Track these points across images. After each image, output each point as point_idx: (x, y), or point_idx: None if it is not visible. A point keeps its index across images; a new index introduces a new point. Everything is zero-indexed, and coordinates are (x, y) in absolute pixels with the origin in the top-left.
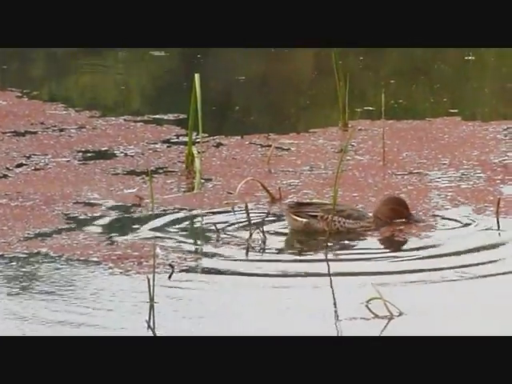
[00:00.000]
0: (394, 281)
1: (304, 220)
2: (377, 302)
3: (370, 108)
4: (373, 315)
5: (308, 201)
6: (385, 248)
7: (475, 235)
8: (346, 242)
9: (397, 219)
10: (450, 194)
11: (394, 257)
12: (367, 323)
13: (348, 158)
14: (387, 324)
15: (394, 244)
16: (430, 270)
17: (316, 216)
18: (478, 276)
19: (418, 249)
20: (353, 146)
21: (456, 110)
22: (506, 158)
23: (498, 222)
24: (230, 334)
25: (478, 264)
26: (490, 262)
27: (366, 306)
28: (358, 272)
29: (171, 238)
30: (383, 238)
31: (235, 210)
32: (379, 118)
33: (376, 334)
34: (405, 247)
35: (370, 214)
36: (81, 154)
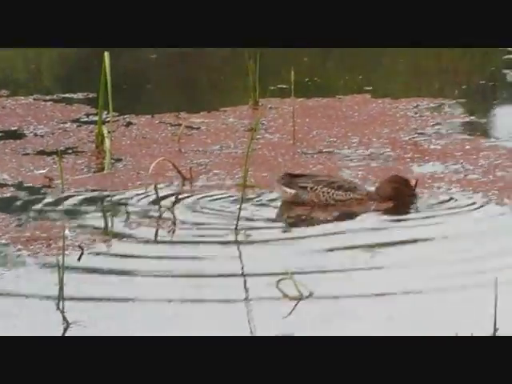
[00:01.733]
0: (307, 261)
1: (293, 191)
2: (287, 282)
3: (284, 86)
4: (282, 295)
5: (300, 172)
6: (310, 226)
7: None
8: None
9: (398, 198)
10: (360, 172)
11: (308, 236)
12: (277, 303)
13: (258, 136)
14: (296, 304)
15: (328, 223)
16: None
17: (306, 187)
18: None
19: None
20: (263, 124)
21: (369, 88)
22: (416, 135)
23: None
24: (138, 318)
25: (390, 244)
26: (401, 243)
27: (277, 286)
28: (270, 252)
29: (81, 220)
30: (333, 216)
31: (147, 190)
32: (290, 96)
33: (285, 313)
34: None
35: (367, 188)
36: None
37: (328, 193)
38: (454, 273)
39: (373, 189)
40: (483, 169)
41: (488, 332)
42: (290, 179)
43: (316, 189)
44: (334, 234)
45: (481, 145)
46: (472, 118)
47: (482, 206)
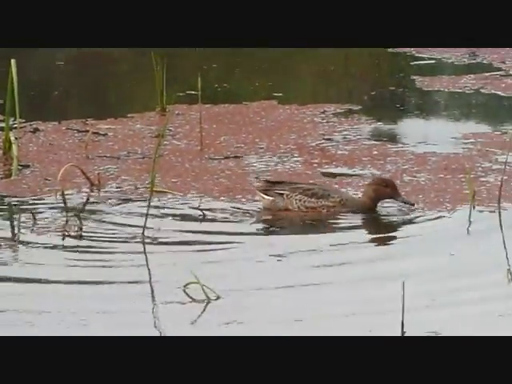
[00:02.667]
0: (213, 265)
1: (270, 198)
2: (195, 287)
3: (192, 92)
4: (190, 299)
5: (281, 179)
6: (203, 233)
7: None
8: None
9: (381, 199)
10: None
11: (215, 242)
12: (184, 307)
13: (165, 142)
14: (205, 307)
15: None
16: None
17: (282, 194)
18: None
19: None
20: (170, 130)
21: (279, 94)
22: (324, 141)
23: None
24: (43, 327)
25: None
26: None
27: (184, 291)
28: (176, 255)
29: None
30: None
31: (55, 196)
32: (197, 103)
33: (193, 318)
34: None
35: (344, 196)
36: None
37: (300, 200)
38: (362, 275)
39: (353, 196)
40: (390, 174)
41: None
42: (269, 186)
43: (291, 196)
44: (238, 242)
45: (388, 150)
46: (379, 123)
47: (389, 213)
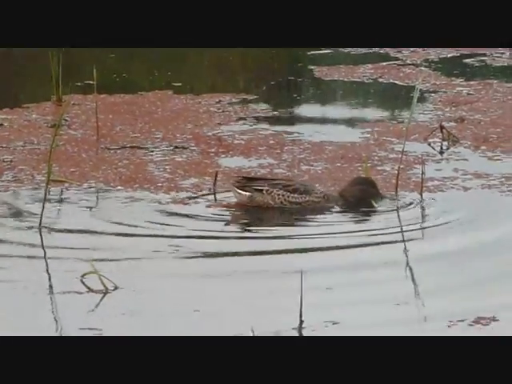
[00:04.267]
0: (111, 255)
1: (248, 194)
2: (92, 277)
3: (90, 82)
4: (87, 289)
5: (259, 176)
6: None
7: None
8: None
9: (365, 199)
10: (167, 167)
11: (115, 233)
12: (81, 297)
13: (62, 132)
14: (102, 298)
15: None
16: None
17: (261, 190)
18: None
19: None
20: (67, 120)
21: (178, 84)
22: (220, 131)
23: (214, 195)
24: None
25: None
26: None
27: (81, 281)
28: (74, 245)
29: None
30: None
31: None
32: (93, 93)
33: (91, 308)
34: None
35: (322, 190)
36: None
37: (283, 195)
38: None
39: (331, 192)
40: (287, 163)
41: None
42: (246, 182)
43: (271, 191)
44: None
45: (284, 139)
46: (276, 113)
47: (282, 202)
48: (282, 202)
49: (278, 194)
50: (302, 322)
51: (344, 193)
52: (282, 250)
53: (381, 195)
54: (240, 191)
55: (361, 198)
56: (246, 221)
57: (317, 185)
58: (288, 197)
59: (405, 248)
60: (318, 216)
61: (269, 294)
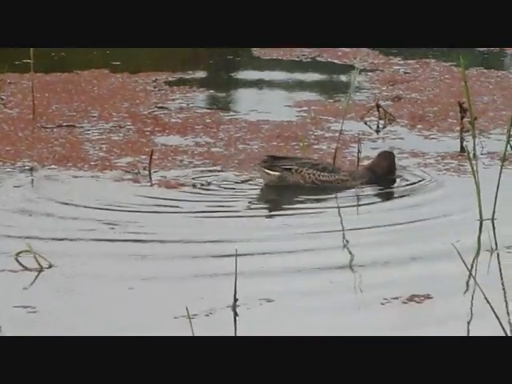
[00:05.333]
0: (46, 234)
1: (277, 173)
2: (27, 255)
3: (29, 61)
4: (22, 268)
5: (282, 155)
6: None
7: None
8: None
9: (391, 174)
10: (102, 145)
11: (48, 213)
12: (15, 275)
13: None
14: (37, 276)
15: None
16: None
17: (290, 169)
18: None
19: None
20: (2, 99)
21: (117, 63)
22: (156, 109)
23: (150, 173)
24: None
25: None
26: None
27: (16, 259)
28: (8, 223)
29: None
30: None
31: None
32: (29, 71)
33: (25, 286)
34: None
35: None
36: None
37: (314, 174)
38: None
39: (355, 169)
40: (224, 142)
41: None
42: (273, 161)
43: (301, 170)
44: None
45: (221, 118)
46: (212, 91)
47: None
48: (313, 181)
49: (309, 173)
50: (236, 300)
51: (373, 167)
52: (219, 227)
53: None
54: (269, 171)
55: (389, 173)
56: (182, 200)
57: (252, 164)
58: (319, 175)
59: (342, 224)
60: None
61: (204, 274)
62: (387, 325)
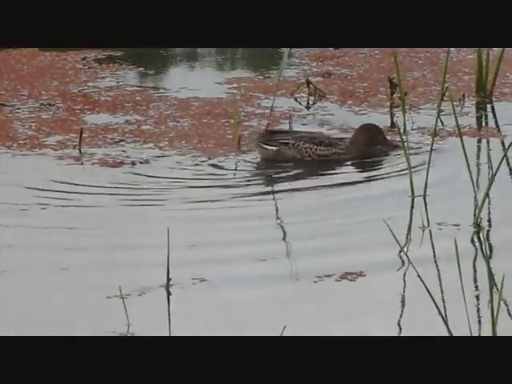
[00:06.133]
0: None
1: (274, 148)
2: None
3: None
4: None
5: (278, 129)
6: None
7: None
8: None
9: (373, 145)
10: (32, 124)
11: None
12: None
13: None
14: None
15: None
16: None
17: (287, 143)
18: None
19: None
20: None
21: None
22: (86, 87)
23: (80, 151)
24: None
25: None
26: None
27: None
28: None
29: None
30: None
31: None
32: None
33: None
34: None
35: (344, 142)
36: None
37: (311, 148)
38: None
39: (345, 141)
40: (154, 119)
41: None
42: (269, 136)
43: (298, 144)
44: None
45: (151, 96)
46: (141, 69)
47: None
48: (310, 156)
49: (306, 148)
50: (169, 279)
51: (354, 141)
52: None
53: (388, 141)
54: (266, 146)
55: (370, 145)
56: (108, 179)
57: (183, 142)
58: (316, 150)
59: (275, 204)
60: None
61: (136, 251)
62: (318, 299)
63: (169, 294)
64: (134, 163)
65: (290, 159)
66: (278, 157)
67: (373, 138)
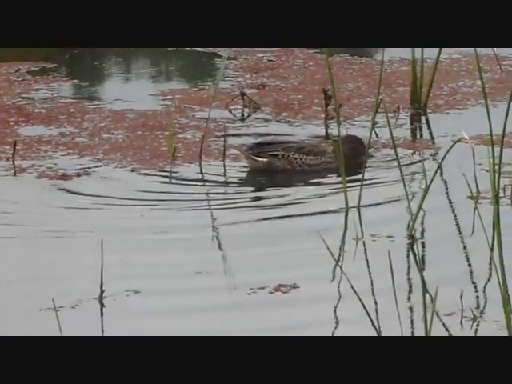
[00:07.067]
0: None
1: (265, 160)
2: None
3: None
4: None
5: (268, 140)
6: None
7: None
8: None
9: (356, 158)
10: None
11: None
12: None
13: None
14: None
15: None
16: None
17: (277, 155)
18: None
19: None
20: None
21: None
22: (20, 99)
23: (14, 164)
24: None
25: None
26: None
27: None
28: None
29: None
30: None
31: None
32: None
33: None
34: None
35: (330, 150)
36: None
37: (301, 159)
38: None
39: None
40: (88, 131)
41: None
42: (259, 148)
43: (287, 155)
44: None
45: (85, 108)
46: (75, 81)
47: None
48: (300, 166)
49: (295, 158)
50: (102, 291)
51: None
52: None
53: (368, 154)
54: (256, 158)
55: (353, 157)
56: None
57: (118, 153)
58: (306, 160)
59: (211, 215)
60: None
61: (69, 264)
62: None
63: (102, 305)
64: (66, 175)
65: (280, 170)
66: (269, 168)
67: (356, 150)
